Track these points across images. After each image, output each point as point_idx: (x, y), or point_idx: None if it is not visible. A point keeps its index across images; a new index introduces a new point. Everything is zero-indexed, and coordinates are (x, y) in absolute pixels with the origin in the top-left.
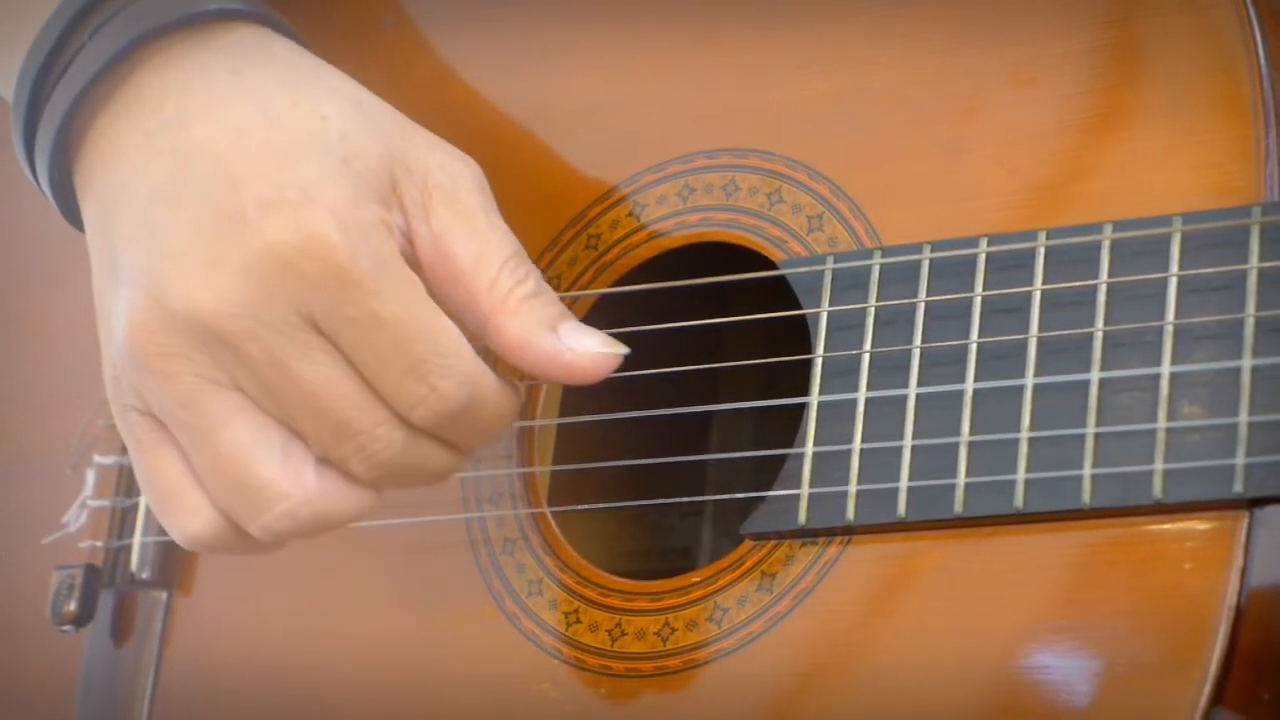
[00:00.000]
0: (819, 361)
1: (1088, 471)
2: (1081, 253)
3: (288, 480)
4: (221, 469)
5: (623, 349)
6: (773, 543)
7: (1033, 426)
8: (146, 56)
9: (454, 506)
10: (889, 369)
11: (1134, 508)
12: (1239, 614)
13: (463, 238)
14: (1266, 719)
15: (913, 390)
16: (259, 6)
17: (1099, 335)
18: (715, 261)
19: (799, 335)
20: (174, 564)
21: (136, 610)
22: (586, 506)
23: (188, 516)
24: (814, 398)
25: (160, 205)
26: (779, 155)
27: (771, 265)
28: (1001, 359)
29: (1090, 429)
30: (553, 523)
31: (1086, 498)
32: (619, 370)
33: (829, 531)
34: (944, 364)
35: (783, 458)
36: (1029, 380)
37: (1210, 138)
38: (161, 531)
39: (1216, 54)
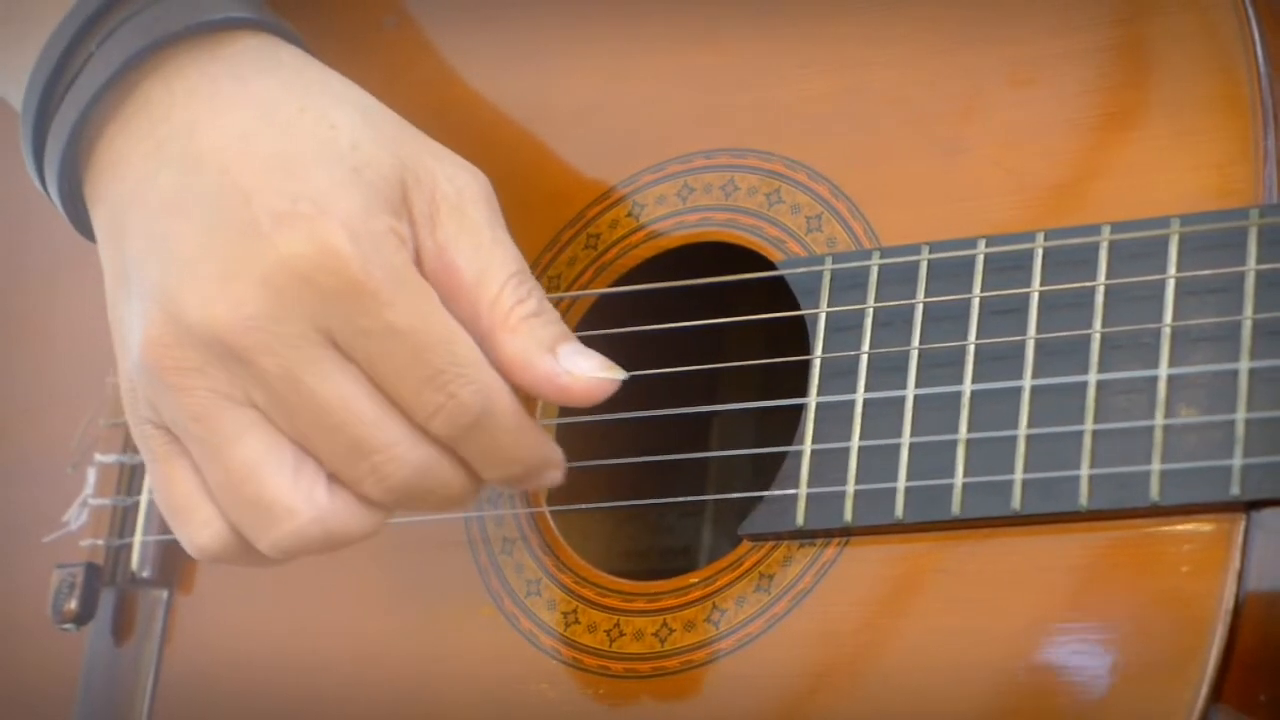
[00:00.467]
0: (817, 362)
1: (1085, 473)
2: (1079, 254)
3: (298, 498)
4: (232, 484)
5: (620, 374)
6: (771, 543)
7: (1030, 428)
8: (154, 65)
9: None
10: (887, 370)
11: (1131, 510)
12: (1236, 616)
13: (467, 251)
14: None
15: (911, 391)
16: (266, 15)
17: (1097, 337)
18: (714, 261)
19: (798, 335)
20: (175, 563)
21: (137, 609)
22: (586, 506)
23: (198, 529)
24: (812, 398)
25: (171, 216)
26: (778, 155)
27: (770, 265)
28: (999, 360)
29: (1088, 430)
30: (551, 522)
31: (1084, 499)
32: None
33: (827, 533)
34: (942, 365)
35: (782, 459)
36: (1027, 381)
37: (1209, 139)
38: (163, 531)
39: (1215, 55)
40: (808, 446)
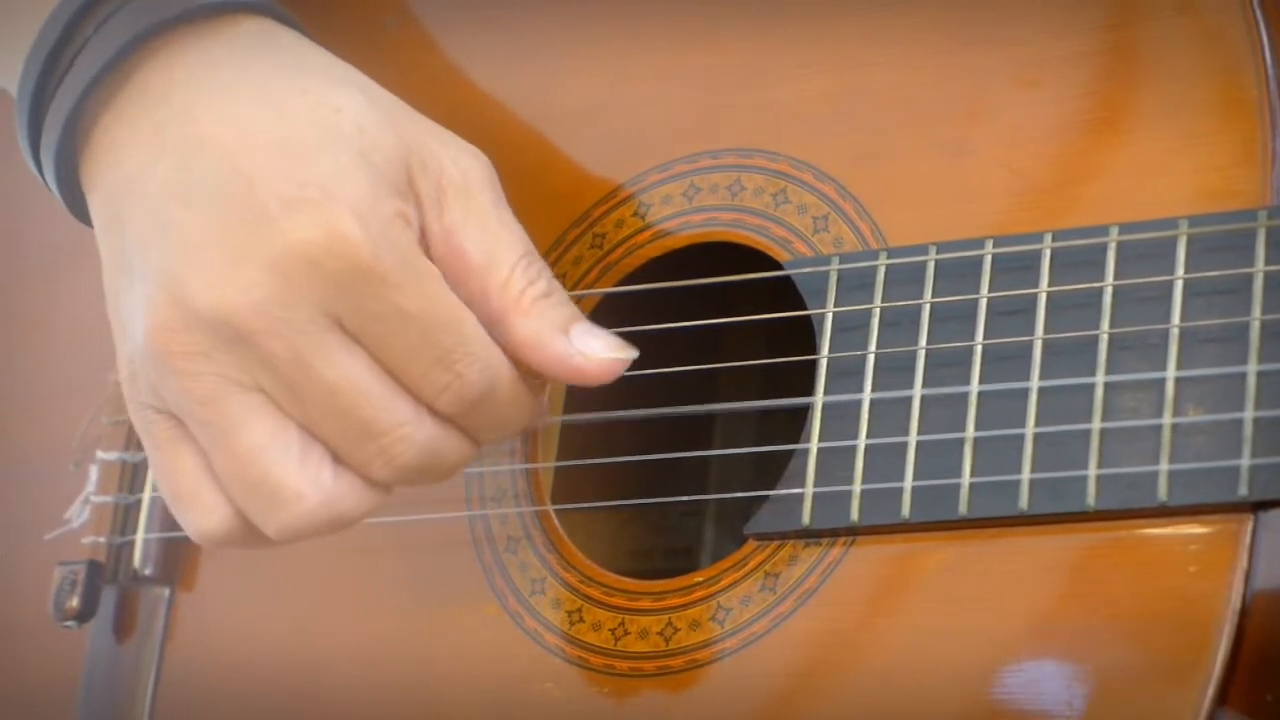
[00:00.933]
0: (824, 362)
1: (1092, 473)
2: (1087, 255)
3: (305, 481)
4: (239, 469)
5: (632, 352)
6: (776, 543)
7: (1038, 428)
8: (152, 50)
9: (457, 504)
10: (894, 370)
11: (1138, 510)
12: (1243, 617)
13: (475, 234)
14: None
15: (918, 391)
16: None
17: (1104, 338)
18: (720, 261)
19: (801, 335)
20: (177, 561)
21: (139, 607)
22: (590, 505)
23: (203, 514)
24: (818, 398)
25: (174, 202)
26: (784, 155)
27: (777, 265)
28: (1007, 361)
29: (1095, 431)
30: (556, 521)
31: (1091, 499)
32: (625, 370)
33: (833, 532)
34: (949, 365)
35: (785, 459)
36: (1034, 382)
37: (1215, 140)
38: (165, 528)
39: (1222, 56)
40: (814, 446)
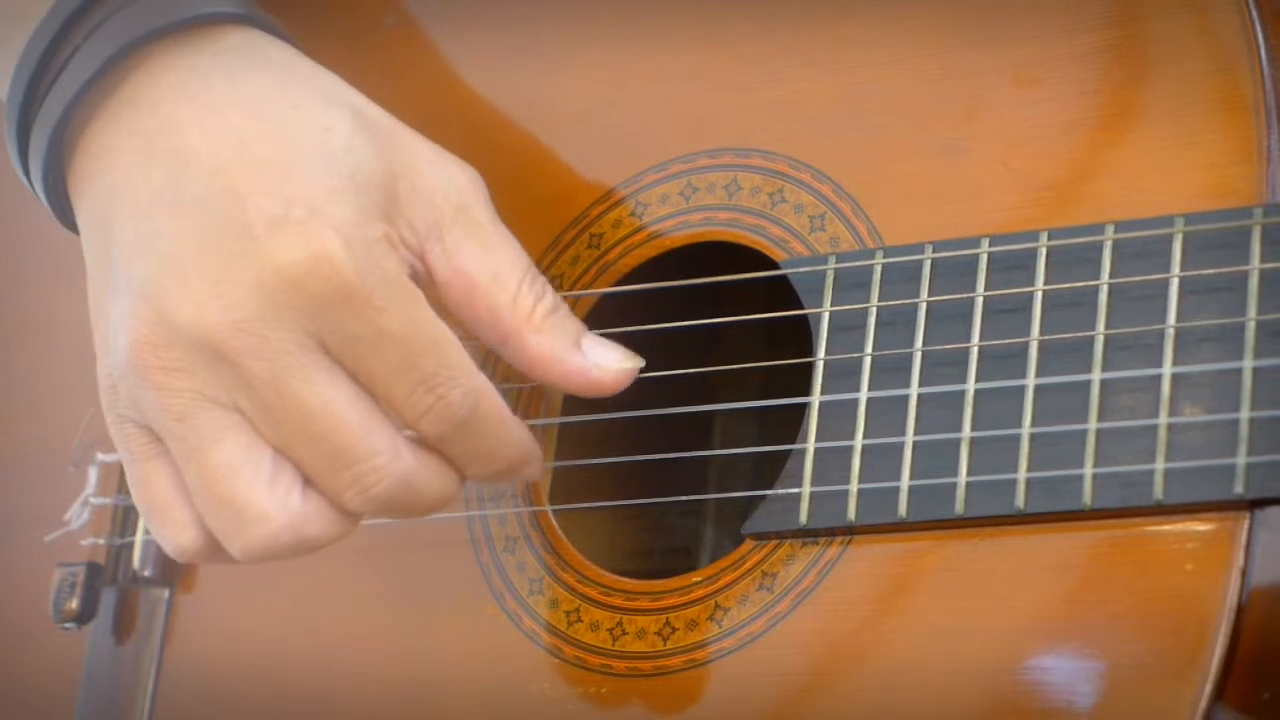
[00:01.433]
0: (820, 362)
1: (1089, 471)
2: (1083, 253)
3: (273, 502)
4: (208, 486)
5: (639, 361)
6: (774, 542)
7: (1034, 427)
8: (141, 60)
9: (456, 504)
10: (890, 369)
11: (1135, 508)
12: (1240, 615)
13: (477, 254)
14: (1267, 719)
15: (914, 390)
16: (254, 10)
17: (1100, 336)
18: (717, 261)
19: (799, 335)
20: (176, 562)
21: (138, 608)
22: (588, 505)
23: (176, 530)
24: (815, 397)
25: (162, 214)
26: (781, 155)
27: (773, 265)
28: (1003, 359)
29: (1091, 429)
30: (554, 521)
31: (1087, 498)
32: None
33: (830, 531)
34: (945, 364)
35: (783, 458)
36: (1030, 381)
37: (1212, 139)
38: None
39: (1218, 55)
40: (811, 445)
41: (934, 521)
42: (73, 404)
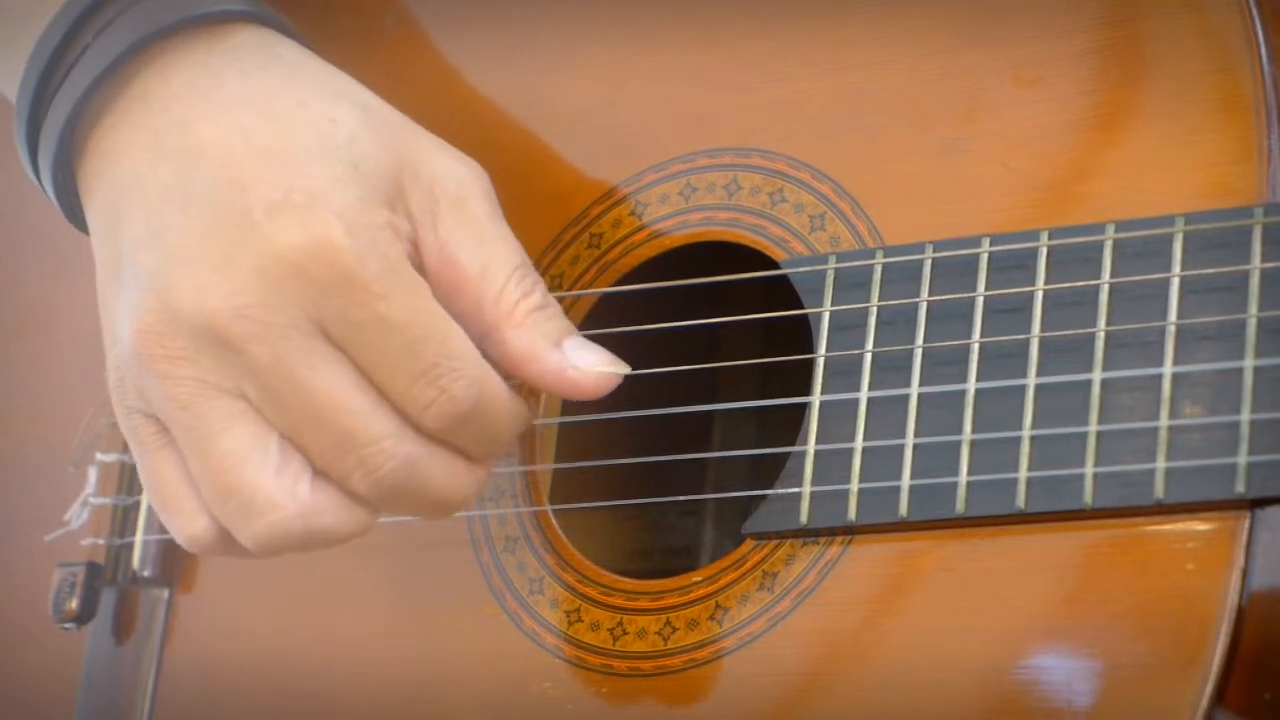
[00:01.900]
0: (821, 361)
1: (1089, 471)
2: (1083, 253)
3: (280, 491)
4: (215, 475)
5: (624, 367)
6: (774, 542)
7: (1034, 426)
8: (151, 57)
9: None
10: (891, 368)
11: (1135, 508)
12: (1240, 615)
13: (470, 246)
14: (1268, 719)
15: (915, 390)
16: (263, 8)
17: (1101, 335)
18: (717, 261)
19: (798, 334)
20: (176, 562)
21: (138, 608)
22: (588, 505)
23: (187, 520)
24: (816, 397)
25: (171, 207)
26: (781, 154)
27: (773, 265)
28: (1003, 359)
29: (1092, 429)
30: (554, 521)
31: (1088, 498)
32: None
33: (830, 531)
34: (946, 364)
35: (783, 458)
36: (1031, 380)
37: (1212, 138)
38: (164, 529)
39: (1218, 54)
40: (811, 445)
41: (935, 521)
42: (73, 404)
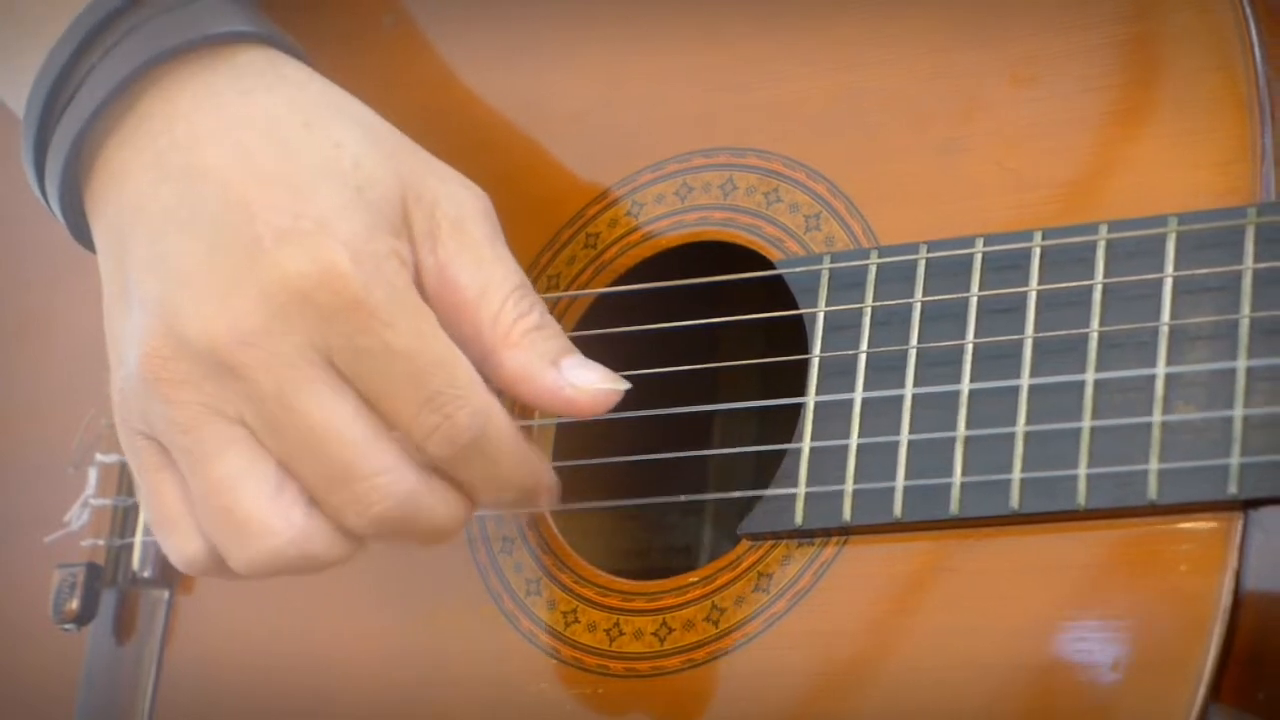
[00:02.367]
0: (816, 361)
1: (1083, 472)
2: (1077, 253)
3: (276, 516)
4: (211, 498)
5: (623, 384)
6: (770, 543)
7: (1028, 426)
8: (157, 78)
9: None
10: (885, 368)
11: (1129, 508)
12: (1234, 615)
13: (468, 268)
14: (1262, 719)
15: (909, 390)
16: (268, 28)
17: (1094, 336)
18: (713, 261)
19: (799, 334)
20: None
21: (138, 609)
22: (585, 505)
23: (182, 540)
24: (811, 397)
25: (174, 230)
26: (776, 154)
27: (769, 264)
28: (997, 359)
29: (1085, 429)
30: (551, 521)
31: (1082, 498)
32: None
33: (825, 532)
34: (940, 364)
35: (783, 458)
36: (1024, 380)
37: (1207, 138)
38: None
39: (1214, 54)
40: (806, 445)
41: (929, 522)
42: (73, 404)
